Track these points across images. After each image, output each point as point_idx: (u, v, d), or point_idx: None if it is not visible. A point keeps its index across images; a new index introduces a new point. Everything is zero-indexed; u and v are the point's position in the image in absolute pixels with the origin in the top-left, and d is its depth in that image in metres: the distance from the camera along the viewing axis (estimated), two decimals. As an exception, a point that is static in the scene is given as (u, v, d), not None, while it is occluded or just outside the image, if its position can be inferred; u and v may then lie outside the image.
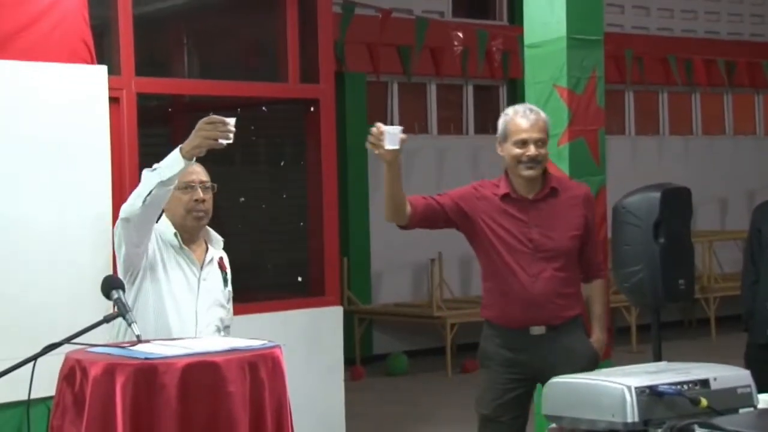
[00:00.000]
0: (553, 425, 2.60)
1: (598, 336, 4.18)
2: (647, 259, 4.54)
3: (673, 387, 2.47)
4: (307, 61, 6.14)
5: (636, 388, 2.44)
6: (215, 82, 6.00)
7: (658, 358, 4.63)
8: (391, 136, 3.72)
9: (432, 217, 4.03)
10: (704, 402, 2.46)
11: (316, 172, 6.20)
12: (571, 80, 4.81)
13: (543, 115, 4.06)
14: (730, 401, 2.54)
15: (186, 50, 6.59)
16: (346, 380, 6.22)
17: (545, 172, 4.08)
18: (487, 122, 11.48)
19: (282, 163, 6.82)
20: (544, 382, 4.18)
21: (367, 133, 3.73)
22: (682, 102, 12.90)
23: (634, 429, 2.41)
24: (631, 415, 2.41)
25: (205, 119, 3.42)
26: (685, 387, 2.49)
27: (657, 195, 4.56)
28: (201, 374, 2.99)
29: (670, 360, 2.91)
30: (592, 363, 4.01)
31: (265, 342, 3.25)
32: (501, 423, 4.07)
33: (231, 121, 3.41)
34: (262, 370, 3.09)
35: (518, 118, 4.00)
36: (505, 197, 4.03)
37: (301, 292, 6.28)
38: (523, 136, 3.97)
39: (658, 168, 11.89)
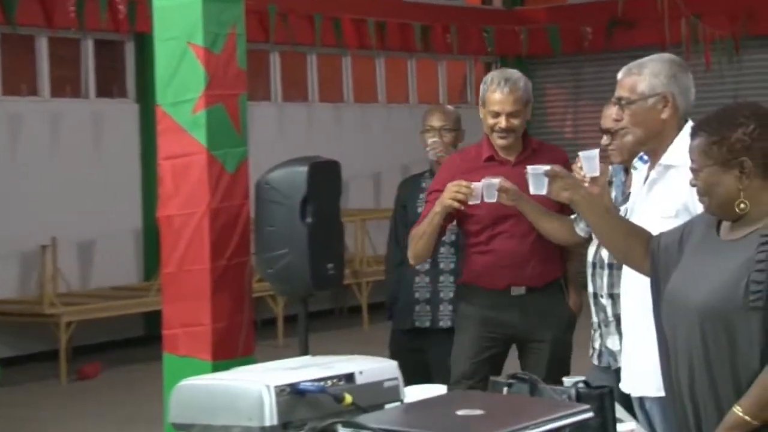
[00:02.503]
0: (184, 435, 2.60)
1: (575, 298, 4.69)
2: (293, 242, 4.65)
3: (316, 384, 2.54)
4: None
5: (275, 387, 2.49)
6: None
7: (304, 352, 4.77)
8: (588, 160, 3.84)
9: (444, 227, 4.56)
10: (349, 398, 2.56)
11: None
12: (208, 38, 4.80)
13: (521, 83, 4.49)
14: (377, 396, 2.66)
15: None
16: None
17: (525, 135, 4.59)
18: (110, 83, 11.23)
19: None
20: (520, 343, 4.56)
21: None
22: (331, 66, 13.30)
23: (273, 433, 2.46)
24: (270, 418, 2.46)
25: None
26: (329, 383, 2.58)
27: (303, 170, 4.67)
28: None
29: (319, 354, 3.00)
30: (570, 326, 4.57)
31: None
32: (474, 381, 4.35)
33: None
34: None
35: (492, 88, 4.47)
36: (489, 160, 4.54)
37: None
38: (496, 108, 4.46)
39: (306, 139, 12.21)
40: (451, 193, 4.25)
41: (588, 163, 3.77)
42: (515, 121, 4.48)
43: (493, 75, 4.56)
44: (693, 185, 2.99)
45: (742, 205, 2.89)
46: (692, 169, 2.98)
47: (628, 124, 3.54)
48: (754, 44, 13.10)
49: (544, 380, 4.29)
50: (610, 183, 4.07)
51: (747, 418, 2.78)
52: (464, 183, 4.24)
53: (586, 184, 3.68)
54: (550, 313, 4.53)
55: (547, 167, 3.32)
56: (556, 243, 4.36)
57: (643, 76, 3.52)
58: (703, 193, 2.95)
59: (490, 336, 4.53)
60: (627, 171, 4.00)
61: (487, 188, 4.13)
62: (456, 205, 4.27)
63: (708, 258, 2.96)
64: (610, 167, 4.09)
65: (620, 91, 3.56)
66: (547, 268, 4.55)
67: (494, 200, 4.17)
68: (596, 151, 3.74)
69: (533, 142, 4.68)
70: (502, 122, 4.47)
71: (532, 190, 3.49)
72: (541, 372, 4.41)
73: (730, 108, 3.01)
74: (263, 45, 11.95)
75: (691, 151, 2.99)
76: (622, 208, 3.71)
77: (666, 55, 3.63)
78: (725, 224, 3.00)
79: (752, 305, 2.79)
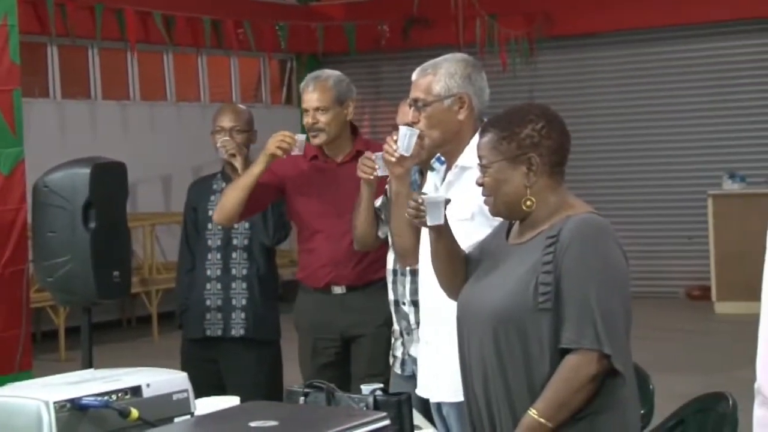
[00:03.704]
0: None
1: None
2: (75, 248, 4.55)
3: (99, 399, 2.50)
4: None
5: (55, 403, 2.44)
6: None
7: (88, 365, 4.66)
8: (406, 138, 3.63)
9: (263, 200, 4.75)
10: (135, 413, 2.52)
11: None
12: (-22, 30, 4.67)
13: (330, 82, 4.66)
14: (166, 409, 2.63)
15: None
16: None
17: (357, 135, 4.76)
18: None
19: None
20: (347, 340, 4.49)
21: None
22: (116, 60, 13.04)
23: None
24: (50, 436, 2.41)
25: None
26: (114, 397, 2.54)
27: (86, 171, 4.58)
28: None
29: (105, 367, 2.94)
30: (390, 322, 4.49)
31: None
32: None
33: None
34: None
35: (304, 86, 4.70)
36: (313, 159, 4.73)
37: None
38: (305, 105, 4.67)
39: (89, 139, 11.93)
40: (276, 142, 4.55)
41: (405, 140, 3.63)
42: (322, 118, 4.63)
43: (309, 75, 4.77)
44: (479, 184, 3.07)
45: (528, 203, 3.00)
46: (481, 166, 3.07)
47: (424, 127, 3.58)
48: (549, 46, 13.56)
49: (366, 374, 4.44)
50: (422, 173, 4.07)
51: (542, 420, 2.87)
52: (288, 134, 4.55)
53: (393, 159, 3.65)
54: (370, 309, 4.65)
55: (446, 197, 3.15)
56: (354, 237, 4.36)
57: (439, 77, 3.58)
58: (490, 191, 3.04)
59: (323, 338, 4.76)
60: (422, 173, 4.07)
61: (407, 138, 3.80)
62: (279, 153, 4.54)
63: (498, 264, 3.06)
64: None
65: (416, 93, 3.61)
66: (370, 268, 4.67)
67: (408, 153, 3.78)
68: (417, 131, 3.65)
69: (361, 141, 4.79)
70: (308, 119, 4.65)
71: (429, 222, 3.16)
72: (363, 366, 4.53)
73: (520, 107, 3.13)
74: (40, 37, 11.61)
75: (480, 147, 3.08)
76: None
77: (459, 55, 3.70)
78: (514, 229, 3.10)
79: (541, 307, 2.90)
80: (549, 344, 2.90)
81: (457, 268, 3.19)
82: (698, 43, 13.00)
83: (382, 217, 4.19)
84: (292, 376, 4.72)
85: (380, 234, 4.27)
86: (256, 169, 4.64)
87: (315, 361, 4.78)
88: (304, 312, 4.88)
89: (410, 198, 3.19)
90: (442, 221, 3.13)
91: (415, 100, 3.60)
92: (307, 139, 4.70)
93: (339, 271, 4.70)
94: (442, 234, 3.16)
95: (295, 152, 4.61)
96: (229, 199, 4.70)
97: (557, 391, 2.87)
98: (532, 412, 2.89)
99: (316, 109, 4.65)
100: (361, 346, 4.67)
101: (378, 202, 4.24)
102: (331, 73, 4.75)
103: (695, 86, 12.98)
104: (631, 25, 13.08)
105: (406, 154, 3.64)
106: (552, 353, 2.90)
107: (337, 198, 4.67)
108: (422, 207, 3.11)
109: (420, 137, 3.60)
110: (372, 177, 4.00)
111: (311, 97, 4.65)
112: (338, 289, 4.72)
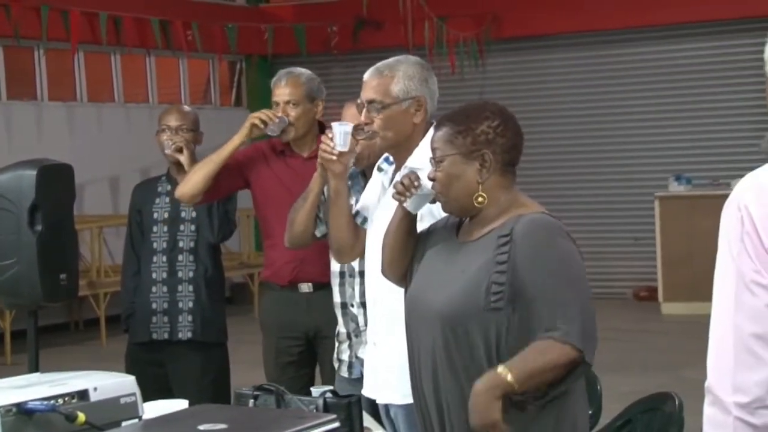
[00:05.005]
0: None
1: None
2: (21, 251, 4.50)
3: (45, 403, 2.49)
4: None
5: (1, 407, 2.42)
6: None
7: (34, 369, 4.62)
8: (341, 135, 3.63)
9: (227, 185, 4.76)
10: (82, 417, 2.51)
11: None
12: None
13: (303, 78, 4.70)
14: (113, 413, 2.62)
15: None
16: None
17: (323, 129, 4.68)
18: None
19: None
20: (313, 340, 4.58)
21: None
22: (63, 61, 12.93)
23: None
24: (-4, 441, 2.39)
25: None
26: (60, 401, 2.52)
27: (31, 173, 4.53)
28: None
29: (52, 371, 2.92)
30: None
31: None
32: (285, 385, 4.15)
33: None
34: None
35: (275, 82, 4.75)
36: (280, 154, 4.77)
37: None
38: (276, 98, 4.72)
39: (35, 140, 11.85)
40: (257, 113, 4.67)
41: (341, 136, 3.67)
42: (292, 112, 4.68)
43: (281, 71, 4.82)
44: (431, 178, 3.07)
45: (480, 199, 3.01)
46: (434, 161, 3.07)
47: (379, 128, 3.56)
48: (498, 48, 13.63)
49: (331, 376, 4.44)
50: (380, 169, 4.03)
51: (510, 379, 2.80)
52: (271, 111, 4.65)
53: (334, 158, 3.66)
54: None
55: (431, 192, 3.12)
56: (291, 233, 4.20)
57: (397, 79, 3.57)
58: (442, 186, 3.05)
59: (288, 337, 4.75)
60: (364, 174, 4.07)
61: (343, 135, 3.79)
62: (257, 122, 4.62)
63: (447, 262, 3.06)
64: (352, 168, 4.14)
65: (370, 94, 3.57)
66: None
67: (347, 149, 3.81)
68: (351, 126, 3.67)
69: None
70: (279, 112, 4.68)
71: (408, 206, 3.17)
72: (328, 367, 4.50)
73: (477, 103, 3.16)
74: (-15, 39, 11.51)
75: (435, 140, 3.09)
76: (361, 209, 3.77)
77: (413, 58, 3.70)
78: (464, 227, 3.11)
79: (493, 306, 2.91)
80: (499, 344, 2.91)
81: (409, 249, 3.22)
82: (646, 47, 13.12)
83: (320, 216, 4.14)
84: (243, 379, 4.70)
85: (317, 233, 4.18)
86: (235, 140, 4.67)
87: (278, 360, 4.78)
88: (269, 311, 4.88)
89: (405, 176, 3.15)
90: (417, 211, 3.19)
91: (371, 101, 3.57)
92: (280, 134, 4.68)
93: (304, 267, 4.69)
94: (412, 218, 3.21)
95: (272, 130, 4.64)
96: (199, 172, 4.69)
97: (528, 361, 2.83)
98: (501, 369, 2.83)
99: (287, 102, 4.69)
100: (328, 348, 4.60)
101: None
102: (304, 71, 4.82)
103: (643, 89, 13.10)
104: (580, 28, 13.18)
105: (344, 150, 3.67)
106: (503, 353, 2.90)
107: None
108: (415, 186, 3.12)
109: (370, 138, 3.60)
110: (335, 156, 3.73)
111: (283, 91, 4.70)
112: (305, 287, 4.72)
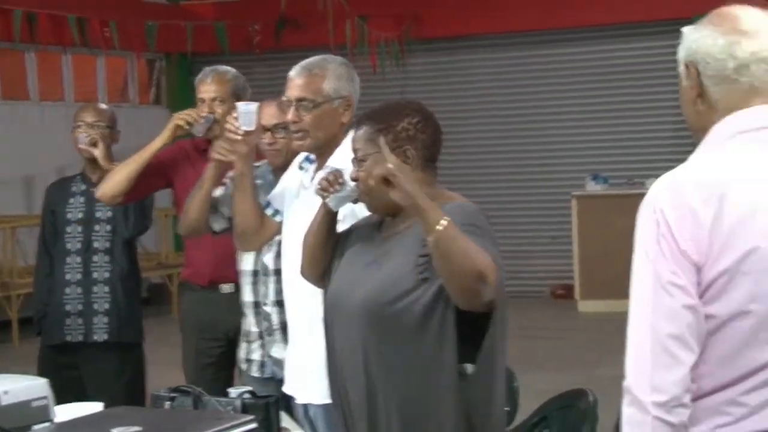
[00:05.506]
0: None
1: None
2: (-69, 251, 4.42)
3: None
4: None
5: None
6: None
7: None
8: (246, 114, 3.59)
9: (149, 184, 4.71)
10: (-8, 421, 2.46)
11: None
12: None
13: (228, 75, 4.65)
14: (24, 417, 2.58)
15: None
16: None
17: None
18: None
19: None
20: (232, 342, 4.57)
21: None
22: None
23: None
24: None
25: None
26: (-31, 405, 2.47)
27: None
28: None
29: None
30: None
31: None
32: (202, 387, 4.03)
33: None
34: None
35: (200, 79, 4.67)
36: (204, 153, 4.53)
37: None
38: (201, 95, 4.65)
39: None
40: (181, 114, 4.65)
41: (245, 116, 3.62)
42: (218, 109, 4.62)
43: (206, 68, 4.76)
44: (354, 178, 3.06)
45: None
46: (356, 160, 3.07)
47: (309, 127, 3.52)
48: (419, 48, 13.67)
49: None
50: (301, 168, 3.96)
51: (444, 221, 2.76)
52: (195, 111, 4.62)
53: (239, 138, 3.62)
54: None
55: (354, 191, 3.11)
56: (184, 223, 4.03)
57: (329, 78, 3.55)
58: (365, 186, 3.04)
59: (209, 338, 4.71)
60: (274, 174, 4.04)
61: (247, 114, 3.74)
62: (182, 123, 4.61)
63: (372, 257, 3.05)
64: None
65: (299, 92, 3.53)
66: None
67: (253, 128, 3.75)
68: (256, 105, 3.66)
69: None
70: (205, 109, 4.64)
71: (331, 204, 3.17)
72: None
73: (396, 102, 3.17)
74: None
75: (356, 140, 3.08)
76: (271, 199, 3.75)
77: (339, 58, 3.68)
78: (387, 222, 3.11)
79: (421, 277, 2.89)
80: (432, 313, 2.88)
81: (329, 248, 3.21)
82: (563, 48, 13.24)
83: (221, 209, 3.99)
84: (159, 381, 4.64)
85: (216, 227, 4.00)
86: (158, 142, 4.64)
87: (198, 362, 4.74)
88: (189, 311, 4.84)
89: (330, 173, 3.13)
90: (339, 209, 3.18)
91: (301, 99, 3.53)
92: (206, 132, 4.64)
93: (225, 267, 4.63)
94: (333, 217, 3.21)
95: (197, 131, 4.61)
96: (121, 172, 4.64)
97: (464, 239, 2.77)
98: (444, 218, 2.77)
99: (213, 99, 4.65)
100: None
101: (218, 192, 3.96)
102: (230, 69, 4.79)
103: (561, 90, 13.22)
104: (501, 28, 13.26)
105: (250, 129, 3.63)
106: (437, 322, 2.87)
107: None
108: (339, 183, 3.09)
109: (302, 138, 3.55)
110: (240, 136, 3.67)
111: (209, 88, 4.66)
112: (227, 288, 4.68)
